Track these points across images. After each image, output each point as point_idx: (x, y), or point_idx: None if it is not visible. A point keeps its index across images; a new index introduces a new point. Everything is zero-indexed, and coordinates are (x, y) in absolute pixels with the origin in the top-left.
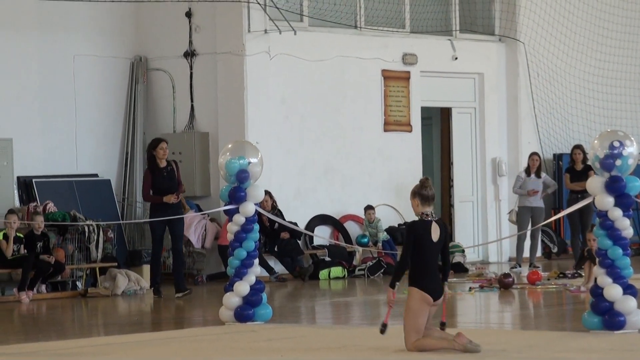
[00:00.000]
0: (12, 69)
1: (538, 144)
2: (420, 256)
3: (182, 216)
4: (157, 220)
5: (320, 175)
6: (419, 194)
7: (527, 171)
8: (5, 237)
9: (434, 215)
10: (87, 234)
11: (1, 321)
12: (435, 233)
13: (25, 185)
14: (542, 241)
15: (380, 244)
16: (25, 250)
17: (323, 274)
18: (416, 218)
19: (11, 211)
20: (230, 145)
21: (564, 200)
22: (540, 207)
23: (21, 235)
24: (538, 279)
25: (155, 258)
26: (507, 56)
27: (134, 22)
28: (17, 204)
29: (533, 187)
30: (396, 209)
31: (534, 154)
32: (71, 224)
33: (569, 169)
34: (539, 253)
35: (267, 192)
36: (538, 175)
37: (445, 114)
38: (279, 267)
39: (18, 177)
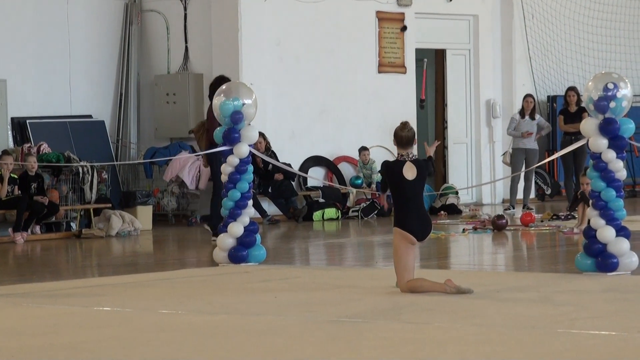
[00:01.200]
0: (6, 11)
1: (532, 85)
2: (398, 195)
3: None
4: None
5: (315, 116)
6: (395, 135)
7: (522, 113)
8: (0, 177)
9: (409, 156)
10: (81, 175)
11: None
12: (410, 172)
13: (19, 126)
14: (536, 183)
15: (374, 185)
16: (20, 191)
17: (317, 215)
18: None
19: (6, 152)
20: (224, 87)
21: (557, 142)
22: (534, 149)
23: (15, 176)
24: (531, 221)
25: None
26: None
27: None
28: (11, 145)
29: (527, 129)
30: (390, 151)
31: (528, 95)
32: (65, 165)
33: (563, 111)
34: (532, 195)
35: (261, 134)
36: (532, 117)
37: (439, 55)
38: (272, 209)
39: (12, 118)
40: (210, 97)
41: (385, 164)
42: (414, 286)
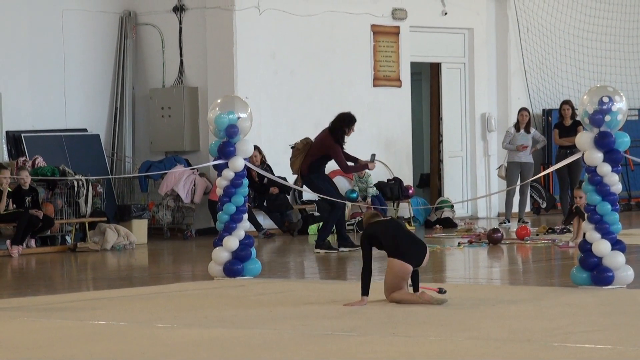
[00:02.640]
0: (1, 24)
1: (527, 99)
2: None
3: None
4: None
5: (310, 130)
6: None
7: (517, 126)
8: None
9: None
10: (76, 189)
11: None
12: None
13: (14, 140)
14: (531, 196)
15: (369, 199)
16: (15, 205)
17: (312, 228)
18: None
19: (1, 166)
20: (219, 100)
21: (553, 156)
22: (529, 162)
23: (11, 190)
24: (527, 235)
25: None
26: (497, 11)
27: None
28: (6, 158)
29: (522, 142)
30: (386, 164)
31: (523, 109)
32: (60, 179)
33: (558, 125)
34: (527, 208)
35: (256, 147)
36: (527, 131)
37: (434, 69)
38: (268, 222)
39: (7, 132)
40: (337, 131)
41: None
42: (397, 297)
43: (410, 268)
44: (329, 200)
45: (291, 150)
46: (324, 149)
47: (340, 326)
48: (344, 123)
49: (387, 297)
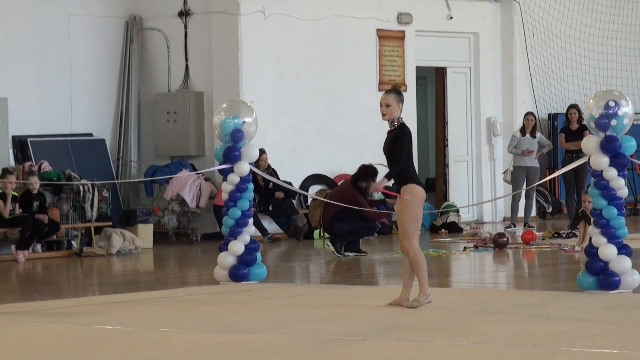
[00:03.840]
0: (7, 29)
1: (533, 103)
2: (410, 157)
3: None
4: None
5: (315, 134)
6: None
7: (522, 131)
8: (2, 196)
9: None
10: (82, 194)
11: None
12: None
13: (20, 145)
14: (537, 201)
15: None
16: (21, 210)
17: (317, 233)
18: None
19: (7, 170)
20: (224, 105)
21: (559, 160)
22: (535, 166)
23: (16, 195)
24: (533, 239)
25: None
26: (502, 16)
27: None
28: (12, 163)
29: (528, 146)
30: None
31: (529, 113)
32: (66, 183)
33: (564, 129)
34: (533, 213)
35: (263, 151)
36: (533, 135)
37: (440, 73)
38: (273, 227)
39: (13, 137)
40: (360, 184)
41: (408, 128)
42: (420, 256)
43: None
44: (364, 229)
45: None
46: (345, 201)
47: (346, 331)
48: (367, 176)
49: (415, 246)
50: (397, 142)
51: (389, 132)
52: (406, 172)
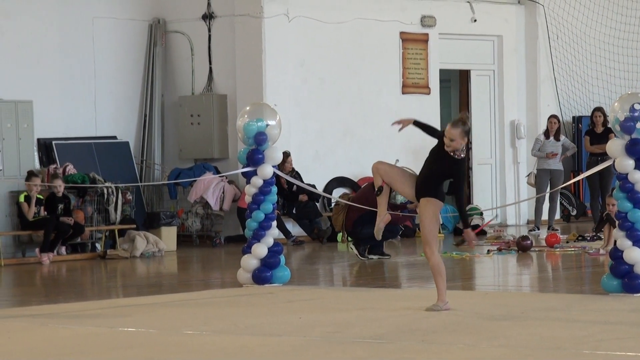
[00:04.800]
0: (32, 32)
1: (557, 106)
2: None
3: None
4: None
5: (339, 137)
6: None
7: (546, 134)
8: (27, 199)
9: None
10: (106, 196)
11: (22, 283)
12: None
13: (45, 147)
14: (561, 204)
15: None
16: (46, 212)
17: (341, 236)
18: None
19: (32, 173)
20: (248, 108)
21: (583, 163)
22: (559, 169)
23: (41, 197)
24: (557, 242)
25: None
26: (526, 18)
27: None
28: (37, 166)
29: (552, 149)
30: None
31: (553, 116)
32: (90, 186)
33: (589, 132)
34: (557, 216)
35: (289, 154)
36: (557, 138)
37: (464, 76)
38: (297, 230)
39: (38, 139)
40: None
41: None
42: (436, 265)
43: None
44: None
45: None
46: (367, 205)
47: (369, 333)
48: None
49: (436, 254)
50: (458, 175)
51: (453, 159)
52: (442, 190)
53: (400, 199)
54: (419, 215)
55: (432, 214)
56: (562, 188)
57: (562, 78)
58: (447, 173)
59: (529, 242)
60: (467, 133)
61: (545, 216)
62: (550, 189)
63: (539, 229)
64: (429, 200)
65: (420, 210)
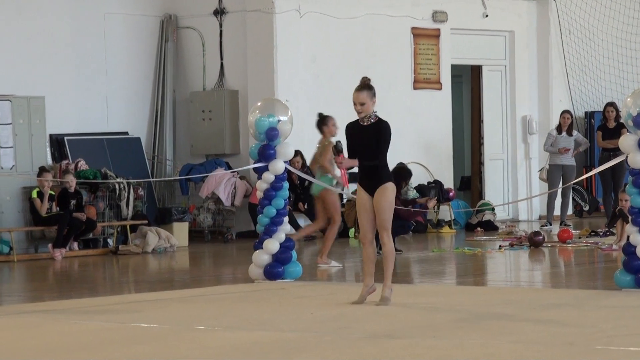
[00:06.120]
0: (44, 28)
1: (569, 101)
2: (386, 154)
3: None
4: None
5: None
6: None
7: (559, 129)
8: (40, 194)
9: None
10: (117, 192)
11: (35, 278)
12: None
13: (57, 143)
14: (574, 199)
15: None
16: (58, 208)
17: (352, 231)
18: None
19: (44, 169)
20: (259, 103)
21: (595, 158)
22: (571, 165)
23: (53, 193)
24: (569, 237)
25: None
26: (538, 14)
27: None
28: (49, 161)
29: (564, 145)
30: (426, 167)
31: (565, 111)
32: (102, 182)
33: (601, 127)
34: (570, 211)
35: (298, 153)
36: (569, 134)
37: (475, 71)
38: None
39: (50, 135)
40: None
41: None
42: (391, 252)
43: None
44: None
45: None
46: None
47: (381, 329)
48: (401, 178)
49: (388, 240)
50: (381, 135)
51: (367, 126)
52: (386, 170)
53: (411, 194)
54: (377, 205)
55: (390, 200)
56: (574, 183)
57: (575, 73)
58: (377, 138)
59: (541, 237)
60: (374, 94)
61: (557, 212)
62: (563, 185)
63: (551, 225)
64: (382, 187)
65: (376, 199)
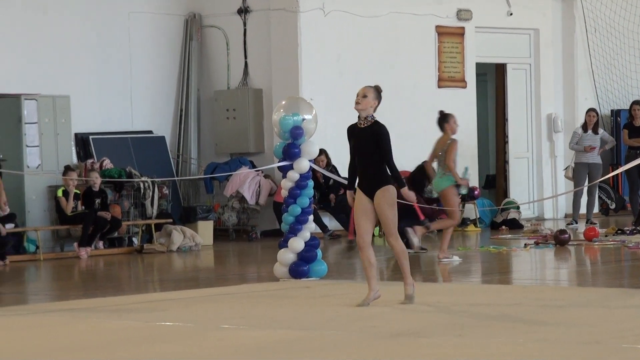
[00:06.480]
0: (69, 28)
1: (595, 99)
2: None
3: None
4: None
5: None
6: (380, 94)
7: (584, 127)
8: (65, 193)
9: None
10: (142, 191)
11: (61, 277)
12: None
13: (82, 142)
14: (600, 197)
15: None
16: (83, 207)
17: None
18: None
19: (69, 168)
20: (284, 102)
21: (621, 157)
22: (597, 163)
23: (78, 192)
24: (595, 236)
25: None
26: (563, 12)
27: None
28: (74, 160)
29: (590, 143)
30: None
31: (591, 110)
32: (127, 181)
33: (628, 125)
34: (596, 209)
35: (323, 152)
36: (595, 132)
37: (500, 69)
38: (333, 224)
39: (75, 134)
40: (417, 183)
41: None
42: (403, 251)
43: None
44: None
45: None
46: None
47: (406, 328)
48: (424, 176)
49: (395, 237)
50: (380, 139)
51: (363, 128)
52: (386, 173)
53: (435, 193)
54: (378, 208)
55: (392, 202)
56: (600, 181)
57: (600, 71)
58: (375, 141)
59: (566, 235)
60: (379, 98)
61: (583, 210)
62: (589, 183)
63: (577, 223)
64: (382, 190)
65: (377, 202)
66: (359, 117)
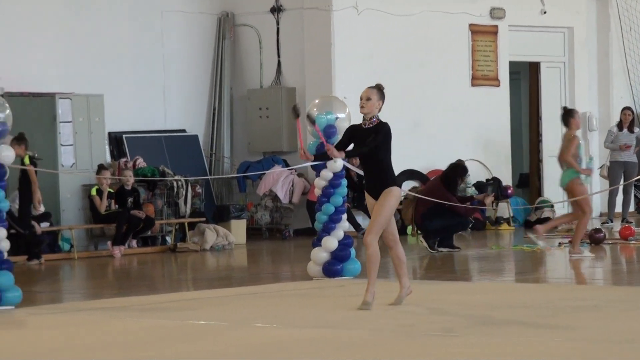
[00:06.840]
0: (102, 27)
1: (631, 98)
2: (390, 157)
3: None
4: None
5: (408, 130)
6: (383, 93)
7: (620, 126)
8: (99, 192)
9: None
10: (175, 189)
11: (95, 276)
12: None
13: (116, 141)
14: (635, 196)
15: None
16: (117, 206)
17: (410, 229)
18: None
19: (103, 166)
20: (317, 101)
21: None
22: (633, 161)
23: (112, 191)
24: (631, 235)
25: None
26: (597, 10)
27: None
28: (108, 159)
29: (625, 141)
30: (484, 164)
31: (626, 108)
32: (160, 179)
33: None
34: (631, 208)
35: None
36: (631, 130)
37: (533, 68)
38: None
39: (109, 133)
40: (450, 181)
41: (388, 126)
42: (375, 252)
43: None
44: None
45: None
46: (435, 198)
47: (439, 326)
48: (457, 174)
49: (372, 237)
50: (378, 132)
51: (368, 129)
52: (390, 173)
53: (470, 191)
54: (377, 205)
55: (391, 205)
56: (636, 180)
57: (636, 70)
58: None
59: (601, 234)
60: (382, 98)
61: (618, 209)
62: (624, 182)
63: (612, 222)
64: (387, 191)
65: (378, 202)
66: (363, 118)
